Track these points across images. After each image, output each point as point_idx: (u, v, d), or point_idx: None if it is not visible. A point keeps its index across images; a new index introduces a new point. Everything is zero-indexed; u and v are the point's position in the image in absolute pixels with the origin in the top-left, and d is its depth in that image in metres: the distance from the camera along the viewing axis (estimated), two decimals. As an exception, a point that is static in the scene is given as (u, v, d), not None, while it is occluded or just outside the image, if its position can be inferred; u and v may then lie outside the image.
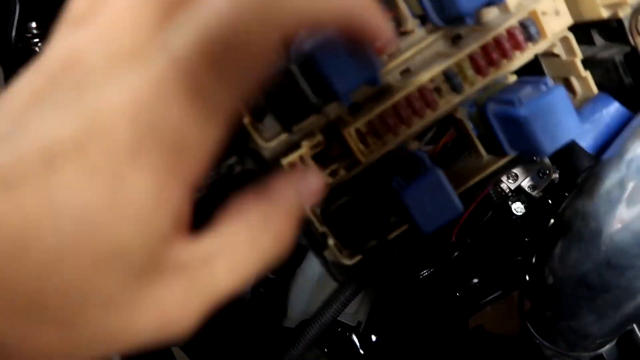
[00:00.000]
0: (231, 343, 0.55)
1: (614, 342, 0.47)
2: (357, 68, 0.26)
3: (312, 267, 0.56)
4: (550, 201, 0.57)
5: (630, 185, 0.30)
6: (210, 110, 0.17)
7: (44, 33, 0.45)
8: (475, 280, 0.61)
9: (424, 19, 0.34)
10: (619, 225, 0.30)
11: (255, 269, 0.19)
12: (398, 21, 0.35)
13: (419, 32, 0.34)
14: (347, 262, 0.36)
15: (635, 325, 0.55)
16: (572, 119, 0.30)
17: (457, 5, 0.27)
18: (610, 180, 0.31)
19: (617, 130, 0.32)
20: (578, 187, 0.36)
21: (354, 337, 0.59)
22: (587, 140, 0.33)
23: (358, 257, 0.36)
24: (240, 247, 0.18)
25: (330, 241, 0.35)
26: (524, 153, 0.33)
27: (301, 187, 0.21)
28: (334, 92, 0.26)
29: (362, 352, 0.57)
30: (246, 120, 0.32)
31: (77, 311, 0.15)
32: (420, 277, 0.60)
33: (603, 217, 0.32)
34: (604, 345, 0.45)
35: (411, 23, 0.34)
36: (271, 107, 0.27)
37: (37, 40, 0.44)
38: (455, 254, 0.62)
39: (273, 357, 0.56)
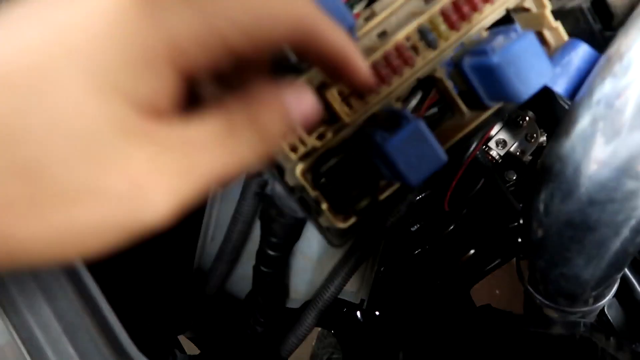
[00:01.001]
0: (238, 329, 0.56)
1: (611, 295, 0.48)
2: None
3: (312, 246, 0.57)
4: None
5: (601, 124, 0.31)
6: None
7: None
8: (472, 251, 0.62)
9: (395, -19, 0.35)
10: (596, 163, 0.31)
11: (232, 167, 0.19)
12: (371, -14, 0.36)
13: (393, -6, 0.35)
14: (342, 225, 0.37)
15: (636, 283, 0.56)
16: (544, 62, 0.31)
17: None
18: (583, 119, 0.32)
19: (588, 72, 0.33)
20: (554, 133, 0.37)
21: (358, 314, 0.60)
22: (560, 85, 0.34)
23: (352, 220, 0.37)
24: (220, 140, 0.19)
25: (324, 205, 0.36)
26: (502, 101, 0.34)
27: (293, 102, 0.21)
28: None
29: (366, 327, 0.58)
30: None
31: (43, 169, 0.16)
32: (417, 252, 0.61)
33: (580, 156, 0.33)
34: (601, 298, 0.46)
35: (384, -14, 0.35)
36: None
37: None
38: (451, 227, 0.63)
39: (280, 338, 0.57)
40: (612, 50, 0.33)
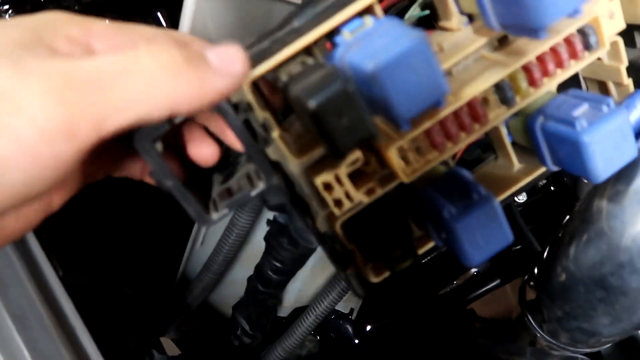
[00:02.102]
0: (223, 337, 0.53)
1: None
2: (423, 92, 0.22)
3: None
4: (552, 188, 0.56)
5: None
6: None
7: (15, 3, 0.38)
8: (474, 270, 0.61)
9: (471, 17, 0.31)
10: None
11: (154, 104, 0.19)
12: (441, 14, 0.31)
13: (465, 31, 0.30)
14: (375, 279, 0.33)
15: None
16: (631, 142, 0.28)
17: (535, 16, 0.23)
18: None
19: None
20: (601, 184, 0.34)
21: (347, 326, 0.58)
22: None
23: (385, 274, 0.33)
24: (142, 73, 0.19)
25: (358, 259, 0.32)
26: (572, 172, 0.31)
27: (217, 51, 0.21)
28: (395, 117, 0.23)
29: (356, 340, 0.56)
30: (276, 133, 0.28)
31: None
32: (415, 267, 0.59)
33: (630, 217, 0.31)
34: (608, 344, 0.46)
35: (457, 20, 0.30)
36: (319, 132, 0.23)
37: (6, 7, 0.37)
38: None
39: (267, 348, 0.54)
40: None
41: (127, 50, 0.20)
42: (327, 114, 0.22)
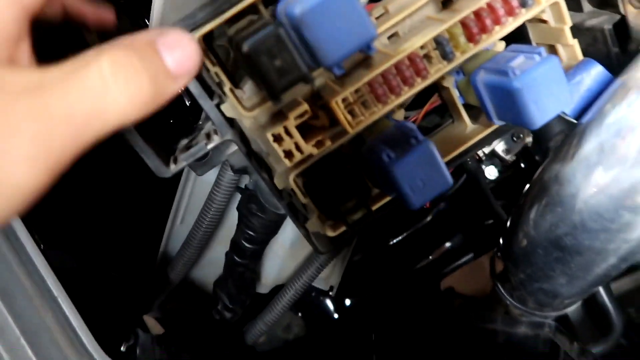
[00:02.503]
0: (204, 313, 0.54)
1: (579, 303, 0.49)
2: (350, 35, 0.24)
3: (285, 233, 0.55)
4: (522, 165, 0.58)
5: (609, 149, 0.29)
6: None
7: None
8: (448, 245, 0.62)
9: (414, -21, 0.32)
10: (595, 189, 0.30)
11: (102, 113, 0.18)
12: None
13: (409, -7, 0.32)
14: (331, 233, 0.35)
15: (601, 288, 0.58)
16: (564, 90, 0.29)
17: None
18: (589, 144, 0.30)
19: (599, 93, 0.32)
20: (555, 150, 0.35)
21: (328, 301, 0.59)
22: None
23: (342, 229, 0.35)
24: (73, 80, 0.18)
25: (314, 213, 0.34)
26: (512, 123, 0.32)
27: (168, 43, 0.20)
28: (325, 59, 0.24)
29: (335, 315, 0.57)
30: (227, 87, 0.30)
31: None
32: (392, 243, 0.61)
33: (580, 180, 0.32)
34: (571, 305, 0.47)
35: (400, -17, 0.32)
36: (257, 74, 0.24)
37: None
38: (429, 218, 0.63)
39: (249, 323, 0.56)
40: (628, 76, 0.31)
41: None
42: (260, 56, 0.24)
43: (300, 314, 0.62)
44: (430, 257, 0.59)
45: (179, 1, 0.36)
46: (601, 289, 0.57)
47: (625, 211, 0.30)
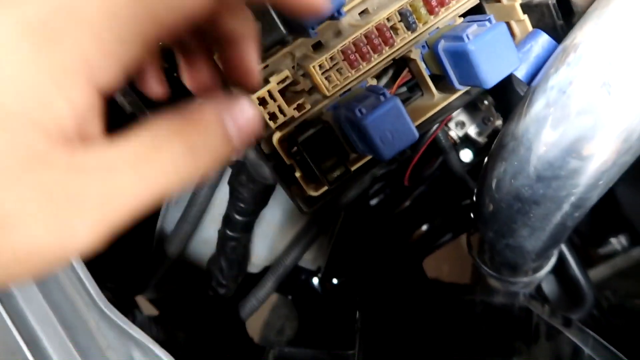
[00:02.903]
0: (199, 290, 0.57)
1: (549, 268, 0.53)
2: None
3: (275, 213, 0.58)
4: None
5: (554, 104, 0.34)
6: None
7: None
8: (425, 227, 0.66)
9: (380, -37, 0.37)
10: (545, 140, 0.34)
11: (165, 184, 0.18)
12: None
13: (376, -25, 0.36)
14: (314, 193, 0.38)
15: (571, 259, 0.62)
16: (512, 53, 0.34)
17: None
18: (538, 102, 0.34)
19: (546, 59, 0.36)
20: (511, 114, 0.39)
21: (314, 281, 0.62)
22: (520, 70, 0.37)
23: (324, 188, 0.38)
24: (144, 159, 0.17)
25: (297, 174, 0.38)
26: (471, 85, 0.36)
27: (234, 115, 0.20)
28: (302, 25, 0.28)
29: (322, 294, 0.60)
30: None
31: None
32: (375, 225, 0.64)
33: (532, 134, 0.36)
34: (540, 269, 0.51)
35: (368, -34, 0.36)
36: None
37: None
38: (407, 203, 0.67)
39: (242, 300, 0.59)
40: (567, 41, 0.35)
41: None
42: (245, 18, 0.27)
43: (290, 297, 0.65)
44: (411, 238, 0.63)
45: None
46: (571, 261, 0.61)
47: (571, 158, 0.34)
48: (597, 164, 0.34)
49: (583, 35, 0.34)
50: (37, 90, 0.16)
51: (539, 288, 0.60)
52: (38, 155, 0.16)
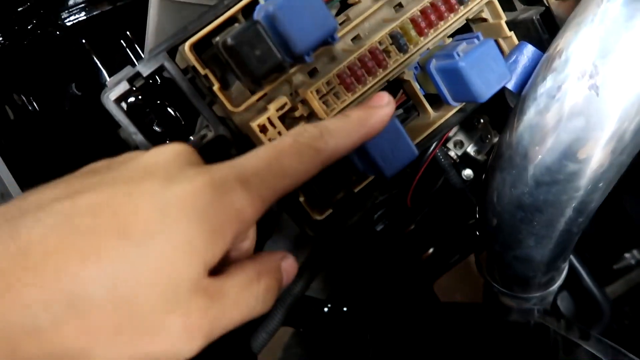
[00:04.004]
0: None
1: (561, 281, 0.52)
2: (316, 27, 0.29)
3: (279, 245, 0.58)
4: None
5: (545, 110, 0.34)
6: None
7: (4, 27, 0.46)
8: (432, 250, 0.66)
9: (368, -10, 0.38)
10: (540, 146, 0.35)
11: (246, 313, 0.24)
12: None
13: (366, 1, 0.38)
14: (319, 217, 0.39)
15: (583, 272, 0.61)
16: (502, 66, 0.35)
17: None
18: (529, 109, 0.35)
19: (533, 69, 0.37)
20: (505, 124, 0.40)
21: (325, 310, 0.61)
22: (510, 81, 0.37)
23: (328, 212, 0.39)
24: (241, 290, 0.24)
25: (301, 198, 0.38)
26: (465, 101, 0.37)
27: (285, 265, 0.28)
28: (295, 48, 0.29)
29: (333, 323, 0.59)
30: (215, 86, 0.34)
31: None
32: (382, 250, 0.64)
33: (527, 141, 0.36)
34: (552, 283, 0.50)
35: (358, -6, 0.38)
36: (240, 64, 0.29)
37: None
38: (412, 227, 0.66)
39: (253, 334, 0.58)
40: (551, 49, 0.36)
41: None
42: (242, 46, 0.29)
43: (301, 329, 0.64)
44: (418, 261, 0.62)
45: (170, 17, 0.42)
46: (584, 274, 0.60)
47: (568, 161, 0.34)
48: (594, 165, 0.34)
49: (566, 41, 0.35)
50: (207, 236, 0.22)
51: (554, 306, 0.59)
52: (197, 284, 0.22)
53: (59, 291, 0.20)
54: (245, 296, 0.24)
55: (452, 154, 0.61)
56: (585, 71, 0.33)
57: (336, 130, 0.28)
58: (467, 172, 0.62)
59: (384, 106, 0.30)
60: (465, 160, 0.62)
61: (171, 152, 0.25)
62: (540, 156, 0.35)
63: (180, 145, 0.25)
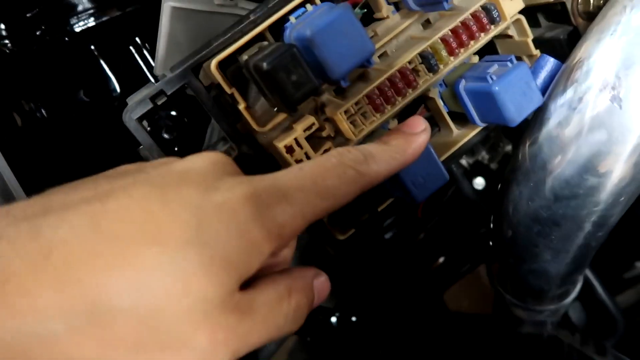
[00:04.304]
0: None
1: (575, 294, 0.52)
2: (353, 51, 0.28)
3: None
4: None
5: (565, 122, 0.33)
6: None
7: (13, 34, 0.44)
8: (442, 259, 0.65)
9: (397, 5, 0.37)
10: (559, 159, 0.34)
11: (274, 332, 0.23)
12: (373, 7, 0.38)
13: (394, 17, 0.37)
14: (341, 237, 0.38)
15: (596, 284, 0.60)
16: (535, 90, 0.34)
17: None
18: (549, 121, 0.34)
19: (552, 79, 0.36)
20: (523, 133, 0.39)
21: (333, 320, 0.61)
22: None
23: (350, 232, 0.38)
24: (272, 308, 0.23)
25: (324, 219, 0.37)
26: (494, 123, 0.36)
27: (317, 282, 0.27)
28: (333, 73, 0.28)
29: (341, 333, 0.59)
30: (241, 106, 0.33)
31: None
32: (391, 259, 0.63)
33: (546, 153, 0.36)
34: (566, 296, 0.50)
35: (386, 9, 0.37)
36: (275, 90, 0.28)
37: (6, 41, 0.43)
38: (421, 235, 0.66)
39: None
40: (571, 59, 0.35)
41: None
42: (279, 72, 0.28)
43: (309, 339, 0.64)
44: (428, 271, 0.62)
45: (182, 25, 0.40)
46: (597, 286, 0.60)
47: (588, 175, 0.34)
48: (615, 179, 0.34)
49: (587, 51, 0.34)
50: (243, 249, 0.22)
51: (565, 317, 0.59)
52: (227, 300, 0.21)
53: (80, 299, 0.19)
54: (274, 314, 0.23)
55: (463, 162, 0.61)
56: (608, 82, 0.32)
57: (378, 156, 0.27)
58: (479, 180, 0.62)
59: (421, 133, 0.29)
60: (477, 168, 0.62)
61: (208, 159, 0.24)
62: (559, 169, 0.34)
63: (217, 154, 0.24)
